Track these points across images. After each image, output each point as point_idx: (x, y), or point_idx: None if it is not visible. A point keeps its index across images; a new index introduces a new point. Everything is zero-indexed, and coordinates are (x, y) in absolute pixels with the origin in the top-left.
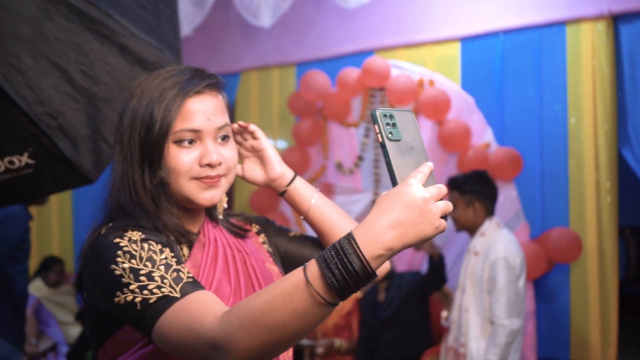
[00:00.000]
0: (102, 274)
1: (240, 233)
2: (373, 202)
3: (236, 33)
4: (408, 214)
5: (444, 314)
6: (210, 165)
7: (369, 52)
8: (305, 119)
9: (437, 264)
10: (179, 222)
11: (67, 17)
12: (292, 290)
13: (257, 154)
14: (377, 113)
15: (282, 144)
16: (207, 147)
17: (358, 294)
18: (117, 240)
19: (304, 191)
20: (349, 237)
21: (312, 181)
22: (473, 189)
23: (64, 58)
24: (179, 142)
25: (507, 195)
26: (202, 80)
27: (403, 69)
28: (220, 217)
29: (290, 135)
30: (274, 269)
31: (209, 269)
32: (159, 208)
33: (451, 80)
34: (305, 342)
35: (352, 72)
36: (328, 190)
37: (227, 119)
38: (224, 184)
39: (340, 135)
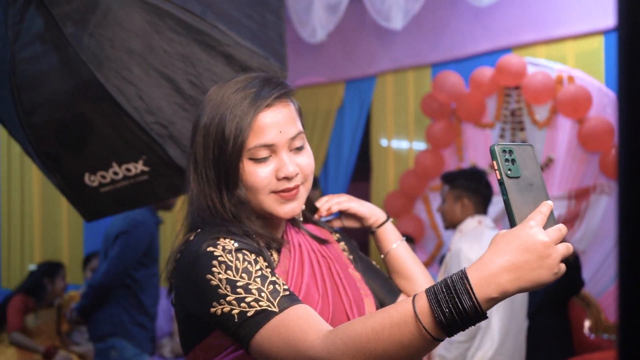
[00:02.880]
0: (197, 283)
1: (321, 239)
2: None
3: (371, 37)
4: (526, 258)
5: (587, 323)
6: (287, 178)
7: (506, 50)
8: (439, 121)
9: (571, 265)
10: (266, 230)
11: (174, 30)
12: (399, 321)
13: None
14: (496, 149)
15: (418, 146)
16: (282, 160)
17: None
18: (211, 249)
19: (390, 236)
20: (463, 275)
21: None
22: (463, 184)
23: (172, 69)
24: (254, 158)
25: None
26: (271, 92)
27: (540, 66)
28: (300, 218)
29: (425, 137)
30: (357, 275)
31: (297, 274)
32: (242, 223)
33: (594, 76)
34: None
35: (486, 72)
36: None
37: (299, 127)
38: (303, 193)
39: (475, 136)
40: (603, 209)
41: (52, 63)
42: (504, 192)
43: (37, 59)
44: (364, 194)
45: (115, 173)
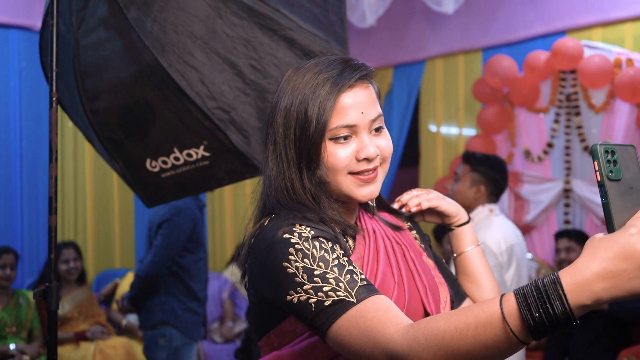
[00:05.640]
0: (273, 270)
1: (394, 225)
2: (564, 190)
3: (421, 21)
4: (624, 267)
5: None
6: (367, 159)
7: (560, 34)
8: (491, 106)
9: None
10: (341, 217)
11: (236, 14)
12: (485, 322)
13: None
14: (599, 149)
15: (468, 132)
16: (363, 141)
17: None
18: (287, 235)
19: (467, 237)
20: (555, 280)
21: None
22: (484, 171)
23: (234, 54)
24: (335, 138)
25: None
26: (353, 73)
27: (597, 49)
28: (373, 204)
29: (476, 122)
30: (430, 262)
31: (372, 261)
32: (320, 206)
33: None
34: None
35: (540, 55)
36: (515, 179)
37: (379, 109)
38: (381, 175)
39: (528, 122)
40: None
41: (116, 49)
42: (603, 195)
43: (100, 44)
44: (413, 180)
45: (177, 158)
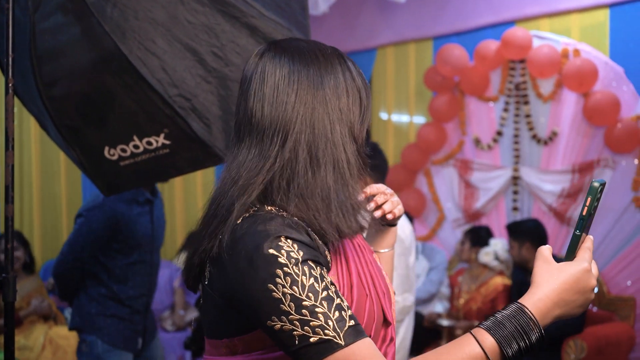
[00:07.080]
0: (254, 287)
1: None
2: (512, 178)
3: (372, 9)
4: (576, 298)
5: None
6: None
7: (509, 23)
8: (442, 94)
9: None
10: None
11: (198, 1)
12: None
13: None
14: (598, 186)
15: (419, 120)
16: None
17: (507, 281)
18: (273, 252)
19: (390, 238)
20: (527, 314)
21: (449, 157)
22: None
23: (196, 41)
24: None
25: None
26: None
27: (545, 39)
28: None
29: (427, 110)
30: (377, 258)
31: (345, 275)
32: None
33: (599, 49)
34: (445, 322)
35: (490, 45)
36: (465, 167)
37: None
38: None
39: (478, 110)
40: (607, 183)
41: (74, 34)
42: (579, 228)
43: (58, 29)
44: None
45: (136, 147)
